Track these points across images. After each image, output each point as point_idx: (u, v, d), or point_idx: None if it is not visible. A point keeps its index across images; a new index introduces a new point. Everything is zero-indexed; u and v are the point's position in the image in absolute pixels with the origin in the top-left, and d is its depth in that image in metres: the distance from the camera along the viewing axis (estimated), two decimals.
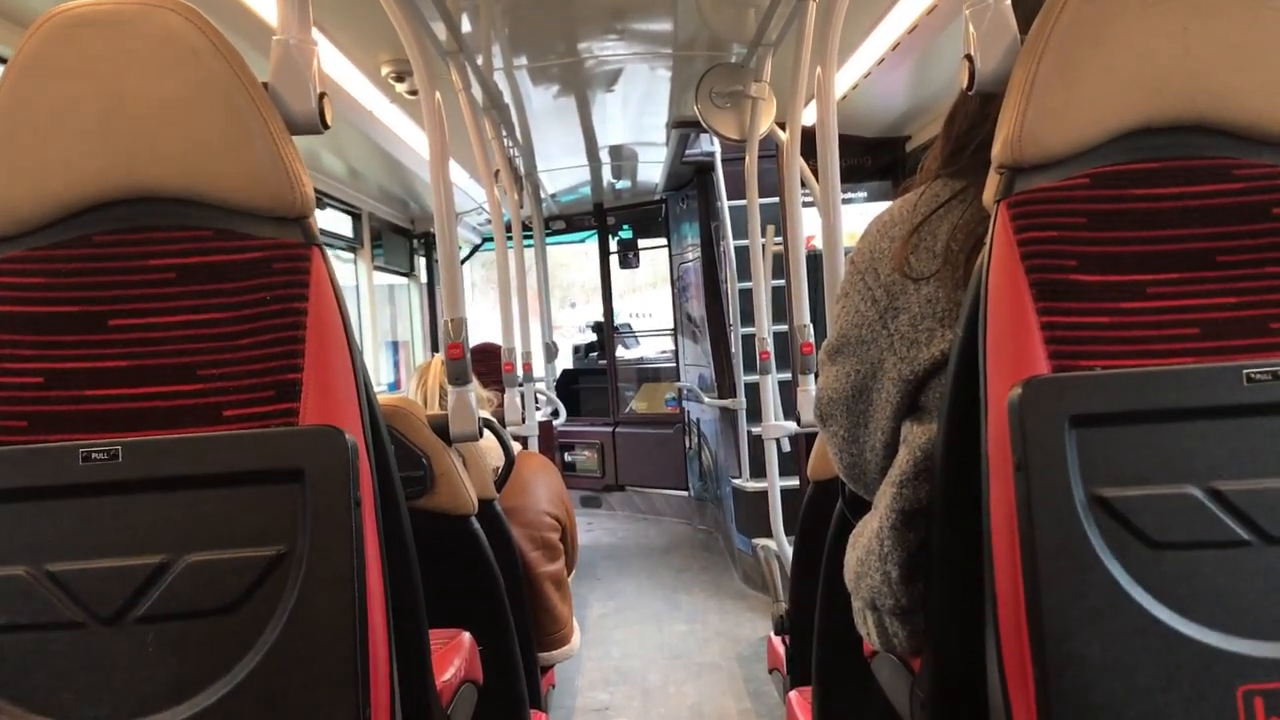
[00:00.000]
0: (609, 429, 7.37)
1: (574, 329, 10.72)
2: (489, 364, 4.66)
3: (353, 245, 5.46)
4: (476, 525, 2.24)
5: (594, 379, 7.96)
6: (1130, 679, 0.87)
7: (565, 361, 8.27)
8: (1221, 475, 0.90)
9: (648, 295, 8.43)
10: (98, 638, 0.94)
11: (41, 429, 1.02)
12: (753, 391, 4.36)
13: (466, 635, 1.83)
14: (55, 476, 0.96)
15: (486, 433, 2.44)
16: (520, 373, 4.57)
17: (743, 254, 4.64)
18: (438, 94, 2.39)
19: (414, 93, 3.48)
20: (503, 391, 4.27)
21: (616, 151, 5.81)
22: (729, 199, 4.90)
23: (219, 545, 0.96)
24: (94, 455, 0.97)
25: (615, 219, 7.60)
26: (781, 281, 3.58)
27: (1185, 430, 0.91)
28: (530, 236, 6.17)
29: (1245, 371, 0.91)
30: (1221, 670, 0.86)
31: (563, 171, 6.20)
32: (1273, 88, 0.99)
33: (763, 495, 3.92)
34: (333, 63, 3.19)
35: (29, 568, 0.95)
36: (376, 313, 5.69)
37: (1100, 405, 0.91)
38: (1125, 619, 0.87)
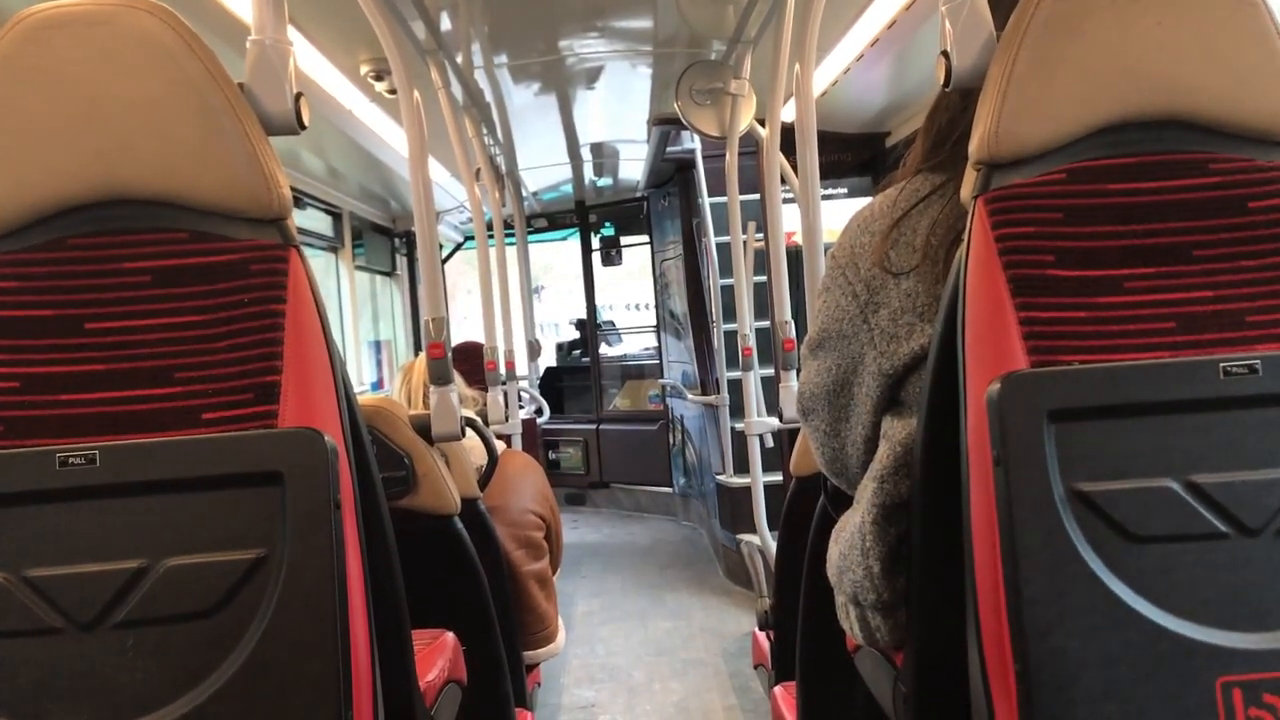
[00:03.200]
0: (593, 426, 7.37)
1: (549, 325, 10.53)
2: (472, 362, 4.65)
3: (333, 245, 5.43)
4: (460, 525, 2.24)
5: (577, 376, 7.96)
6: (1110, 672, 0.87)
7: (549, 359, 8.26)
8: (1199, 468, 0.91)
9: (626, 285, 8.36)
10: (77, 643, 0.94)
11: (18, 434, 1.01)
12: (735, 388, 4.37)
13: (450, 635, 1.83)
14: (32, 482, 0.96)
15: (469, 431, 2.43)
16: (503, 371, 4.56)
17: (724, 250, 4.64)
18: (417, 93, 2.38)
19: (393, 91, 3.47)
20: (486, 390, 4.26)
21: (597, 149, 5.81)
22: (710, 196, 4.91)
23: (198, 549, 0.95)
24: (71, 460, 0.96)
25: (597, 216, 7.60)
26: (763, 278, 3.59)
27: (1163, 424, 0.91)
28: (512, 235, 6.17)
29: (1222, 365, 0.91)
30: (1201, 662, 0.87)
31: (544, 169, 6.19)
32: (1247, 81, 1.00)
33: (746, 491, 3.93)
34: (310, 62, 3.18)
35: (6, 574, 0.94)
36: (358, 311, 5.67)
37: (1078, 400, 0.91)
38: (1105, 612, 0.88)
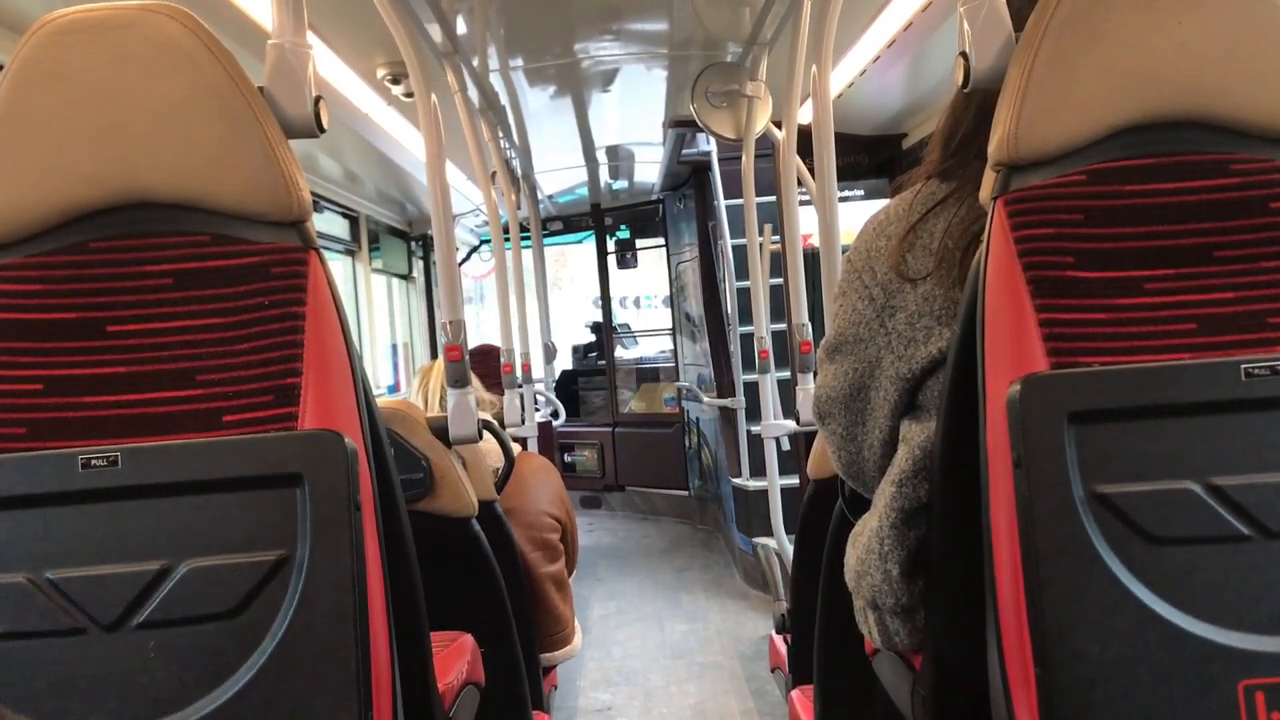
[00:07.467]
0: (608, 429, 7.37)
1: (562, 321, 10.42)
2: (489, 365, 4.66)
3: (350, 248, 5.45)
4: (477, 527, 2.24)
5: (593, 379, 7.97)
6: (1131, 675, 0.87)
7: (564, 362, 8.27)
8: (1220, 471, 0.90)
9: (643, 275, 8.31)
10: (99, 644, 0.94)
11: (41, 436, 1.02)
12: (752, 390, 4.37)
13: (468, 637, 1.83)
14: (55, 483, 0.96)
15: (486, 434, 2.44)
16: (519, 374, 4.57)
17: (740, 253, 4.64)
18: (434, 96, 2.39)
19: (410, 95, 3.48)
20: (502, 393, 4.27)
21: (613, 152, 5.81)
22: (726, 198, 4.91)
23: (219, 551, 0.96)
24: (94, 462, 0.97)
25: (612, 219, 7.60)
26: (779, 280, 3.59)
27: (1184, 426, 0.91)
28: (528, 238, 6.18)
29: (1243, 367, 0.91)
30: (1222, 665, 0.86)
31: (560, 172, 6.20)
32: (1268, 81, 0.99)
33: (763, 494, 3.92)
34: (328, 66, 3.19)
35: (30, 575, 0.94)
36: (375, 315, 5.68)
37: (1099, 402, 0.91)
38: (1126, 615, 0.87)
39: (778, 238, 3.70)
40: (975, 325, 0.99)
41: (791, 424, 3.38)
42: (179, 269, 1.07)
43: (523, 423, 4.44)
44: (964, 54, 1.11)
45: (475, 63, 3.51)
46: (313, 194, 1.10)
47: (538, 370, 5.75)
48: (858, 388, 1.23)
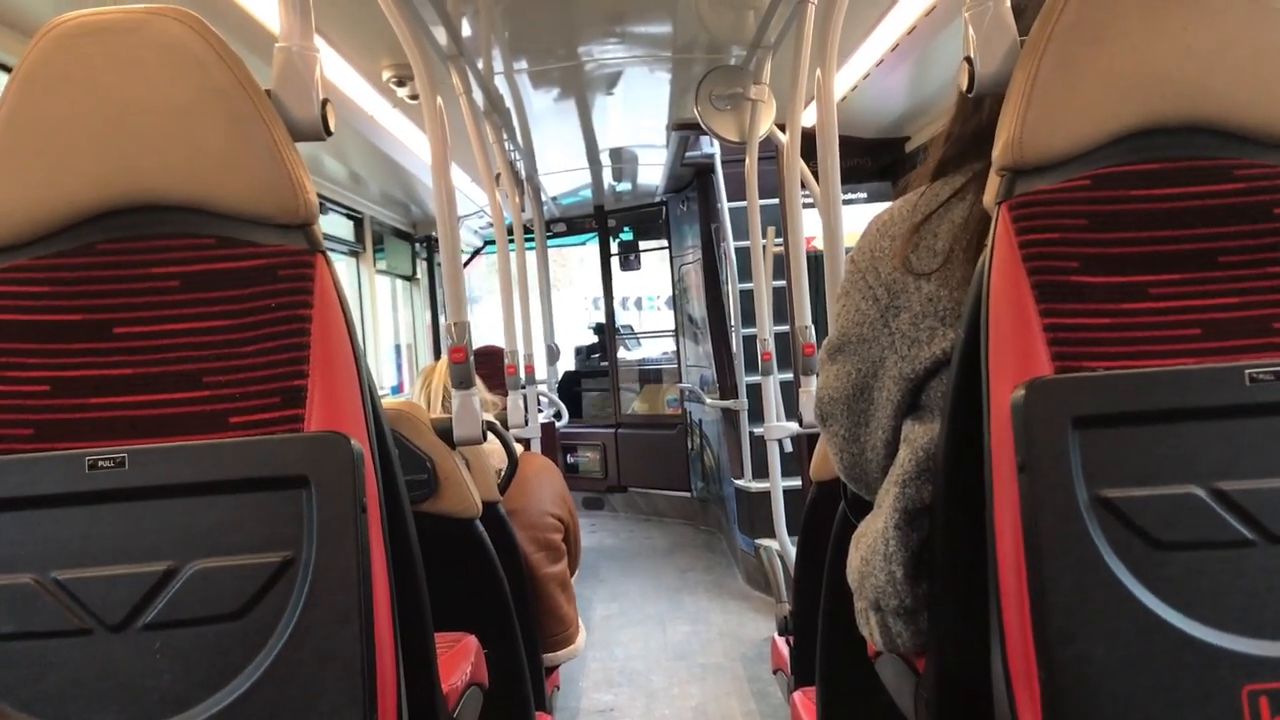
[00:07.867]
0: (611, 430, 7.37)
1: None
2: (492, 366, 4.66)
3: (355, 250, 5.46)
4: (481, 528, 2.25)
5: (596, 380, 7.97)
6: (1135, 679, 0.87)
7: (567, 363, 8.27)
8: (1225, 475, 0.90)
9: (638, 280, 8.30)
10: (105, 645, 0.94)
11: (48, 437, 1.02)
12: (754, 392, 4.36)
13: (472, 638, 1.84)
14: (62, 484, 0.97)
15: (490, 435, 2.44)
16: (523, 375, 4.58)
17: (743, 255, 4.64)
18: (439, 98, 2.39)
19: (415, 97, 3.49)
20: (506, 394, 4.27)
21: (617, 154, 5.82)
22: (729, 200, 4.91)
23: (225, 552, 0.96)
24: (100, 463, 0.97)
25: (616, 221, 7.61)
26: (782, 282, 3.59)
27: (1188, 431, 0.91)
28: (532, 239, 6.18)
29: (1247, 372, 0.91)
30: (1226, 670, 0.87)
31: (563, 174, 6.20)
32: (1273, 87, 0.99)
33: (765, 496, 3.93)
34: (335, 69, 3.20)
35: (36, 575, 0.95)
36: (378, 316, 5.69)
37: (1103, 406, 0.91)
38: (1130, 619, 0.87)
39: (781, 240, 3.71)
40: (979, 329, 0.99)
41: (794, 426, 3.38)
42: (186, 271, 1.07)
43: (526, 424, 4.44)
44: (968, 58, 1.11)
45: (480, 65, 3.52)
46: (318, 195, 1.10)
47: (541, 371, 5.76)
48: (860, 388, 1.23)
